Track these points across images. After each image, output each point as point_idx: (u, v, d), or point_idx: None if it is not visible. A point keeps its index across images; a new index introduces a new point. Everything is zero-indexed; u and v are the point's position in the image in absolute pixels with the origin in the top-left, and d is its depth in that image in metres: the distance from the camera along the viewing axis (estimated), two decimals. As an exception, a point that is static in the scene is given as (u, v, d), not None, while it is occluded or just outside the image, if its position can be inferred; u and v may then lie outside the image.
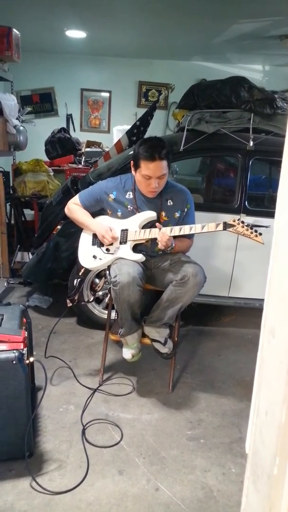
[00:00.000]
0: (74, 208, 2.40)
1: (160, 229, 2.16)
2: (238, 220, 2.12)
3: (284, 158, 0.72)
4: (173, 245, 2.18)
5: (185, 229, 2.16)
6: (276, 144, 2.91)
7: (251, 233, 2.09)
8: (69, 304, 2.46)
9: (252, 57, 5.55)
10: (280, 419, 0.68)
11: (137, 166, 2.19)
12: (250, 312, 3.37)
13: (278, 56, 5.31)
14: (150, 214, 2.25)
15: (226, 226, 2.10)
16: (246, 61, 5.78)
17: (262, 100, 2.88)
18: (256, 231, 2.10)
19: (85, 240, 2.40)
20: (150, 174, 2.15)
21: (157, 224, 2.20)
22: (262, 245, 2.07)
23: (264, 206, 3.34)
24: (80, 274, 2.42)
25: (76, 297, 2.45)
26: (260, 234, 2.10)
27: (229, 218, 2.18)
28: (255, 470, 0.76)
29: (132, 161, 2.24)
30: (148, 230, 2.21)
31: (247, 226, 2.10)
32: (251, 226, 2.11)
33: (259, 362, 0.79)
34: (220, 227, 2.10)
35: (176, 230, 2.17)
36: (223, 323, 3.40)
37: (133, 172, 2.25)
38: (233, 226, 2.10)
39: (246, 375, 2.63)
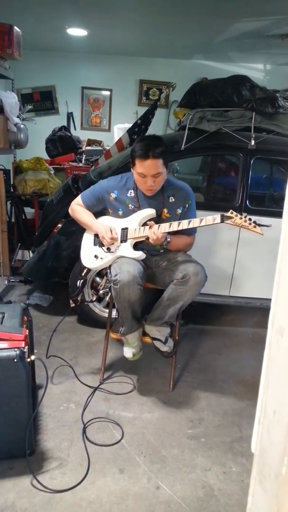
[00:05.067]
0: (77, 208, 2.40)
1: (150, 227, 2.16)
2: (236, 212, 2.12)
3: None
4: (168, 239, 2.19)
5: (184, 224, 2.16)
6: (277, 143, 2.91)
7: (250, 224, 2.08)
8: (72, 305, 2.47)
9: (253, 55, 5.53)
10: None
11: (133, 164, 2.20)
12: (250, 311, 3.37)
13: (279, 55, 5.30)
14: (150, 212, 2.25)
15: (224, 218, 2.09)
16: (247, 59, 5.76)
17: (264, 99, 2.88)
18: (254, 222, 2.09)
19: (87, 240, 2.40)
20: (144, 172, 2.15)
21: (148, 222, 2.21)
22: (261, 237, 2.09)
23: (265, 205, 3.34)
24: (82, 274, 2.42)
25: (79, 298, 2.46)
26: (259, 225, 2.09)
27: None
28: (262, 470, 0.75)
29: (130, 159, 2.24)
30: (147, 227, 2.21)
31: (245, 217, 2.10)
32: (249, 218, 2.11)
33: (266, 361, 0.78)
34: (218, 219, 2.09)
35: (175, 225, 2.17)
36: (223, 322, 3.40)
37: (132, 169, 2.25)
38: (231, 218, 2.09)
39: (246, 374, 2.63)
